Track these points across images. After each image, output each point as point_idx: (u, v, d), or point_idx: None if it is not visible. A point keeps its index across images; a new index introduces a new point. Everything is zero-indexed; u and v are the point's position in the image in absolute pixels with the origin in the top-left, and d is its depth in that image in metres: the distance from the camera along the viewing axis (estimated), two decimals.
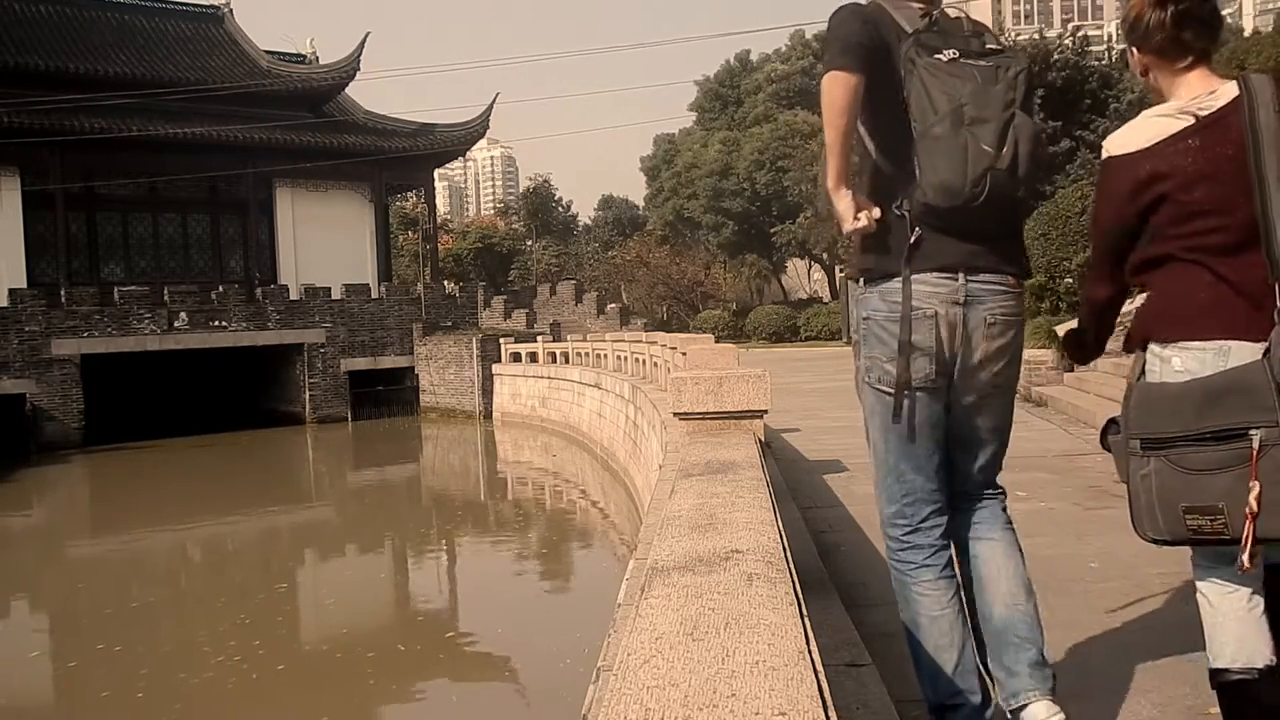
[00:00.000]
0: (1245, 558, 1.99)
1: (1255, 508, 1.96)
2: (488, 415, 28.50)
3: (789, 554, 2.11)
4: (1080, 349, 2.53)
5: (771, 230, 45.16)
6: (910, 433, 2.34)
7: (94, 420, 26.32)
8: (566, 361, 25.14)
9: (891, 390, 2.31)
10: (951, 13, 2.35)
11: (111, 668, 9.34)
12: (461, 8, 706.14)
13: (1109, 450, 2.27)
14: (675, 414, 4.79)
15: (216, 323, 28.09)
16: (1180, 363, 2.13)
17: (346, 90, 35.07)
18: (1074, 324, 2.61)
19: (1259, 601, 2.16)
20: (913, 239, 2.23)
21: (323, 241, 32.86)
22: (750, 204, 44.86)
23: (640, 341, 19.15)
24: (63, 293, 26.98)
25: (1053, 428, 9.69)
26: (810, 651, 1.34)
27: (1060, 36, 36.60)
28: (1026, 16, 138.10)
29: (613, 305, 40.07)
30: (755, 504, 2.52)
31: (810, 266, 53.06)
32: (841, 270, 38.78)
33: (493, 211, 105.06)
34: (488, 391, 28.63)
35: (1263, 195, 2.02)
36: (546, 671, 8.91)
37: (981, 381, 2.34)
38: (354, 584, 13.23)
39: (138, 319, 26.83)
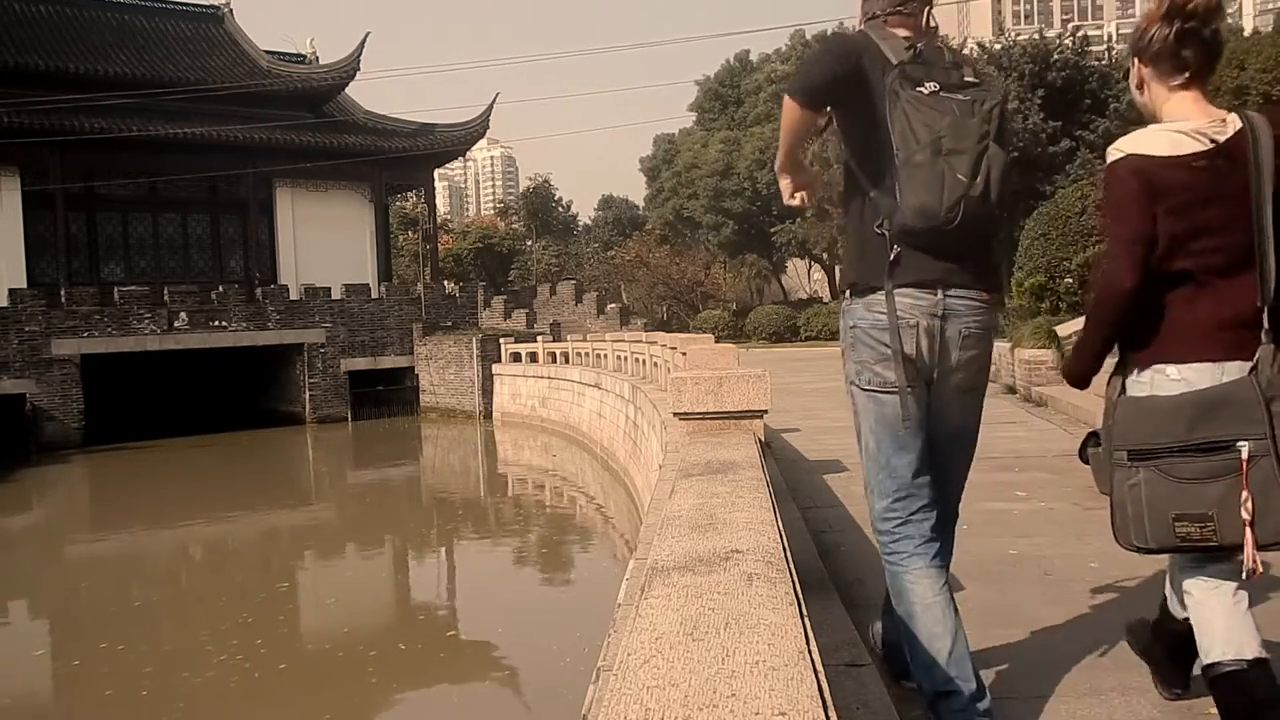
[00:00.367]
0: (1253, 564, 2.10)
1: (1250, 516, 2.07)
2: (488, 415, 28.49)
3: (789, 554, 2.11)
4: (1081, 364, 2.48)
5: (772, 230, 45.15)
6: (908, 431, 2.48)
7: (94, 420, 26.32)
8: (566, 361, 25.14)
9: (881, 390, 2.49)
10: (947, 31, 2.47)
11: (115, 667, 9.37)
12: (461, 8, 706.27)
13: (1087, 463, 2.41)
14: (675, 414, 4.79)
15: (216, 323, 28.09)
16: (1177, 372, 2.23)
17: (346, 90, 35.08)
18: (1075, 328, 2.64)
19: (1244, 596, 2.26)
20: (892, 256, 2.40)
21: (323, 241, 32.86)
22: (751, 204, 44.87)
23: (640, 341, 19.15)
24: (63, 293, 26.97)
25: (1053, 428, 9.70)
26: (810, 651, 1.35)
27: (1060, 36, 36.58)
28: (1026, 16, 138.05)
29: (613, 305, 40.06)
30: (755, 504, 2.52)
31: (810, 266, 53.08)
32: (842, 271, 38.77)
33: (493, 211, 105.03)
34: (488, 391, 28.63)
35: (1260, 223, 2.17)
36: (546, 670, 8.92)
37: (952, 387, 2.52)
38: (354, 583, 13.24)
39: (138, 319, 26.83)
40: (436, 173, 39.64)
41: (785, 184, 2.64)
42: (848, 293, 2.58)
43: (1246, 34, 45.63)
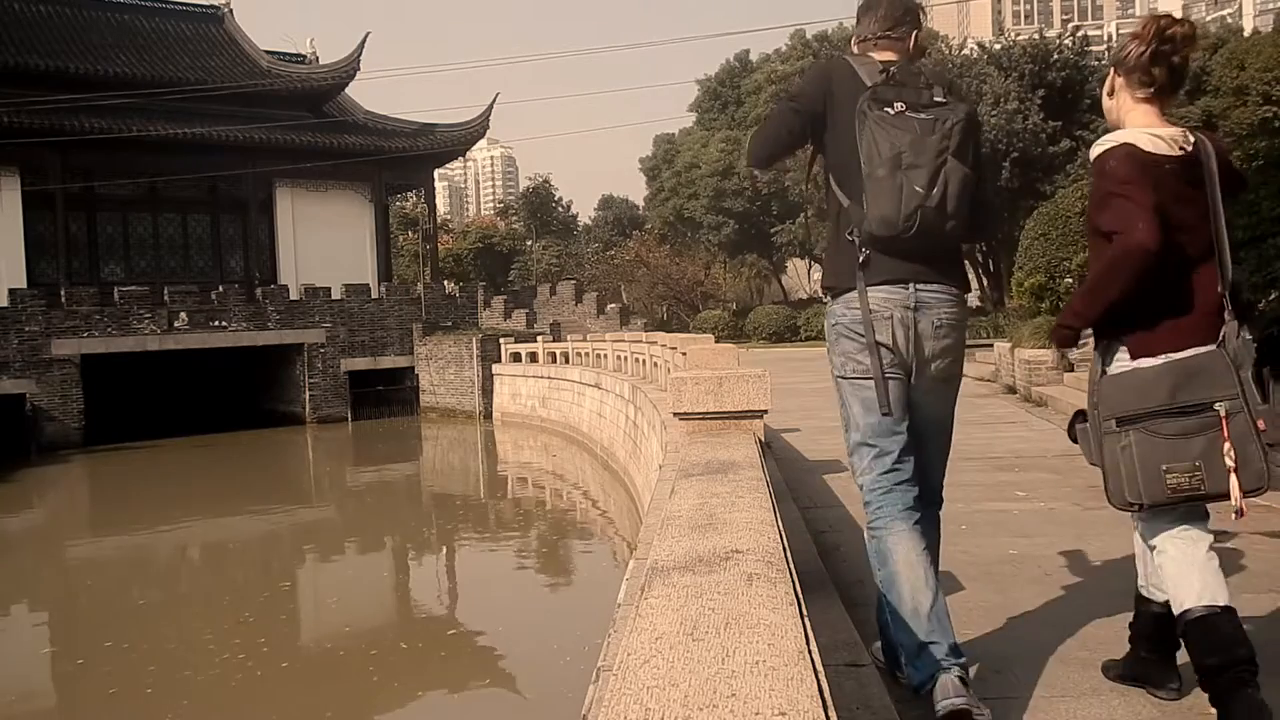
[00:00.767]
0: (1240, 505, 2.41)
1: (1234, 464, 2.37)
2: (488, 415, 28.49)
3: (789, 554, 2.11)
4: (1078, 320, 2.67)
5: (772, 230, 45.17)
6: (888, 414, 2.70)
7: (94, 420, 26.32)
8: (566, 361, 25.14)
9: (863, 377, 2.71)
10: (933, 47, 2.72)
11: (119, 665, 9.42)
12: (461, 8, 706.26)
13: (1076, 441, 2.69)
14: (675, 414, 4.78)
15: (216, 323, 28.09)
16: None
17: (346, 90, 35.09)
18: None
19: (1214, 553, 2.55)
20: (861, 259, 2.67)
21: (323, 241, 32.87)
22: (751, 203, 44.90)
23: (640, 341, 19.15)
24: (63, 293, 26.96)
25: (1053, 428, 9.69)
26: (810, 651, 1.35)
27: (1060, 36, 36.58)
28: (1026, 16, 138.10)
29: (613, 305, 40.06)
30: (755, 504, 2.52)
31: (810, 266, 53.06)
32: None
33: (493, 211, 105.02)
34: (488, 391, 28.63)
35: (1216, 223, 2.52)
36: (547, 669, 8.93)
37: (929, 376, 2.75)
38: (355, 583, 13.25)
39: (138, 319, 26.83)
40: (436, 173, 39.65)
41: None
42: (828, 296, 2.83)
43: (1246, 34, 45.64)
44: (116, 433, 26.09)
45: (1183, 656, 2.80)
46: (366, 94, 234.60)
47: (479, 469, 23.75)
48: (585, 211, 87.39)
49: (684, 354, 9.67)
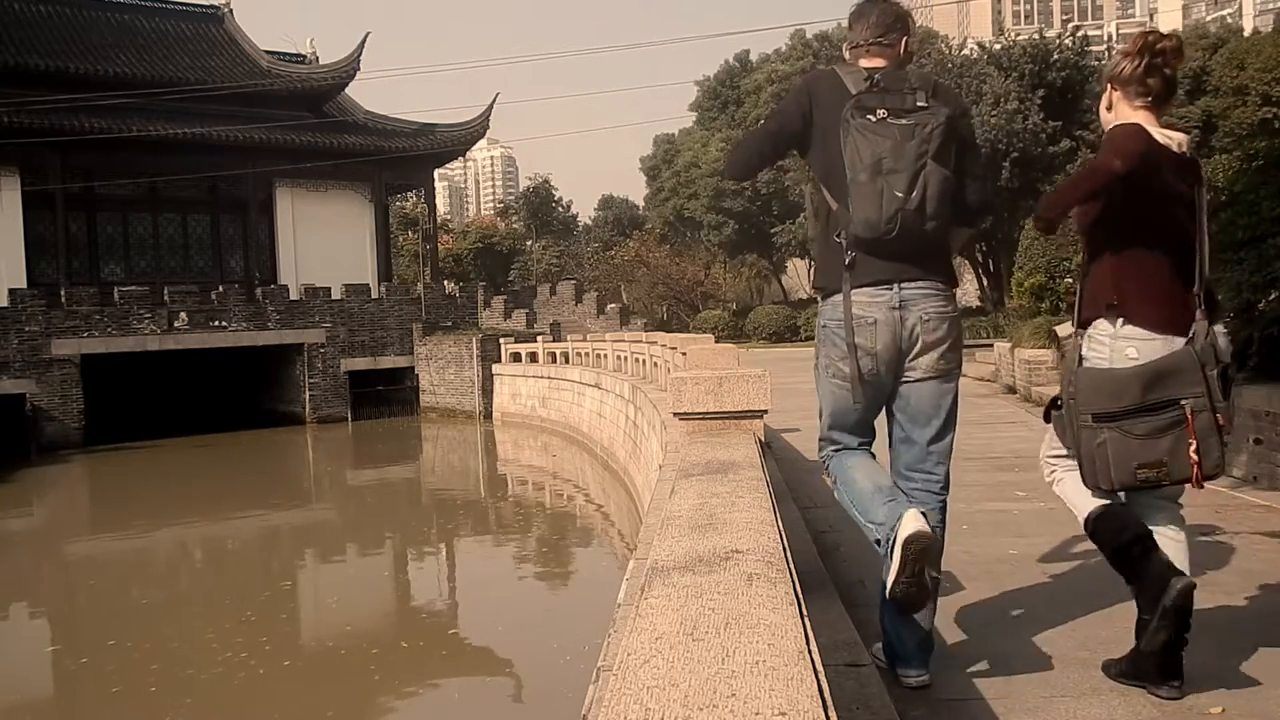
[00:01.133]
0: (1196, 484, 2.66)
1: (1198, 457, 2.61)
2: (488, 415, 28.49)
3: (789, 554, 2.11)
4: (1052, 211, 3.01)
5: (772, 230, 45.15)
6: (860, 409, 2.92)
7: (94, 420, 26.32)
8: (566, 361, 25.14)
9: (842, 380, 2.90)
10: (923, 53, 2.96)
11: (122, 663, 9.46)
12: (461, 8, 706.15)
13: (1049, 423, 2.97)
14: (675, 414, 4.78)
15: (216, 323, 28.09)
16: (1135, 351, 2.73)
17: (346, 90, 35.08)
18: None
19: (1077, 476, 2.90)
20: (848, 261, 2.80)
21: (323, 241, 32.86)
22: (751, 203, 44.88)
23: (640, 341, 19.15)
24: (63, 293, 26.96)
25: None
26: (810, 651, 1.35)
27: (1060, 36, 36.56)
28: (1026, 16, 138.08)
29: (613, 305, 40.05)
30: (755, 504, 2.52)
31: (810, 266, 53.04)
32: None
33: (493, 211, 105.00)
34: (488, 391, 28.63)
35: (1201, 240, 2.72)
36: (547, 669, 8.95)
37: (925, 366, 2.88)
38: (356, 582, 13.26)
39: (138, 319, 26.83)
40: (436, 173, 39.65)
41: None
42: (820, 296, 2.99)
43: (1246, 34, 45.62)
44: (116, 433, 26.09)
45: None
46: (366, 94, 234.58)
47: (479, 469, 23.75)
48: (585, 211, 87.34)
49: (684, 354, 9.68)
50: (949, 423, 2.97)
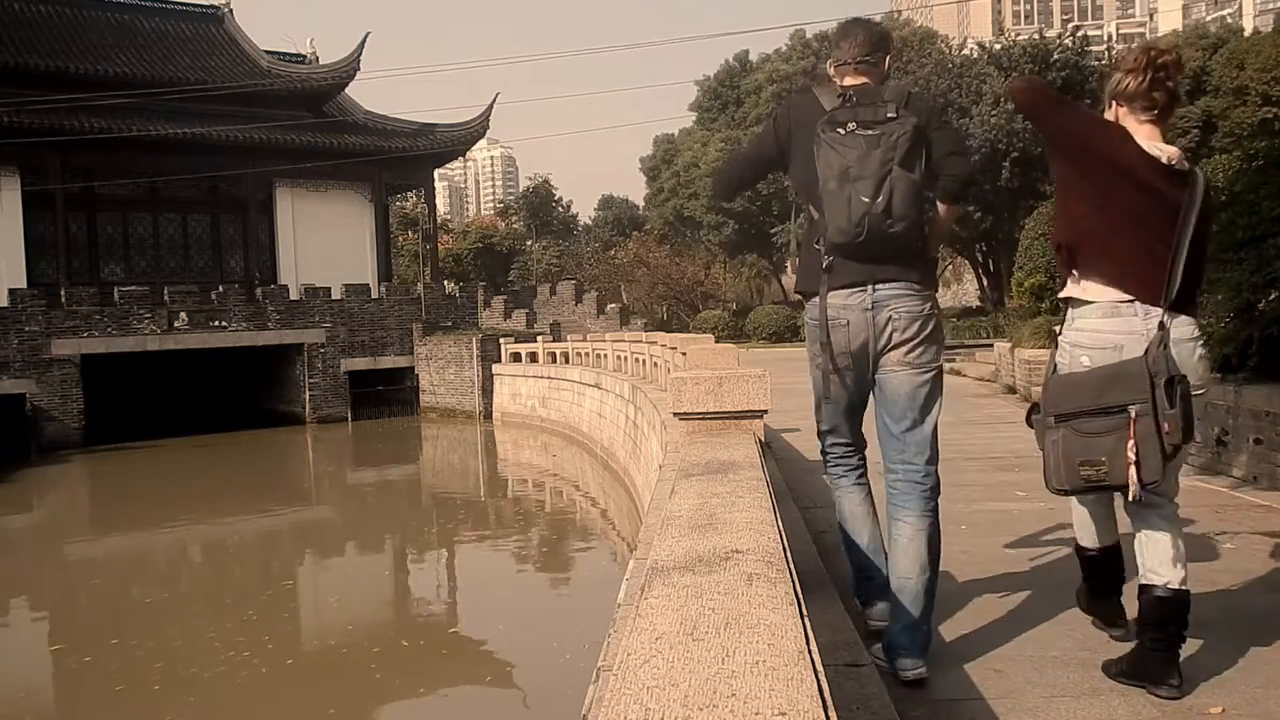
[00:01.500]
0: (1133, 493, 2.73)
1: (1134, 459, 2.70)
2: (488, 415, 28.49)
3: (789, 554, 2.11)
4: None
5: (772, 230, 45.15)
6: (838, 405, 3.24)
7: (94, 420, 26.32)
8: (566, 361, 25.14)
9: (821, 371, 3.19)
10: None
11: (125, 662, 9.50)
12: (461, 8, 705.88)
13: (1032, 427, 3.06)
14: (675, 414, 4.78)
15: (216, 323, 28.09)
16: (1089, 360, 2.90)
17: (346, 90, 35.07)
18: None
19: (1109, 505, 3.18)
20: (825, 265, 3.04)
21: (323, 241, 32.86)
22: (751, 203, 44.86)
23: (640, 341, 19.15)
24: (63, 293, 26.95)
25: None
26: (810, 651, 1.35)
27: (1060, 36, 36.57)
28: (1026, 16, 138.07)
29: (613, 305, 40.05)
30: (755, 504, 2.52)
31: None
32: None
33: (493, 211, 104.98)
34: (488, 391, 28.63)
35: (1179, 240, 2.81)
36: (547, 667, 8.97)
37: (896, 360, 3.08)
38: (357, 582, 13.28)
39: (138, 319, 26.83)
40: (436, 173, 39.63)
41: None
42: (805, 299, 3.24)
43: (1247, 34, 45.62)
44: (116, 433, 26.08)
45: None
46: (366, 94, 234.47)
47: (479, 469, 23.75)
48: (585, 211, 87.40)
49: (684, 354, 9.68)
50: (924, 414, 3.12)
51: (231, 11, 36.86)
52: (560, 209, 75.47)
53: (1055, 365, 3.04)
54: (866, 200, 2.86)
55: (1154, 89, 2.91)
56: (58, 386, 25.77)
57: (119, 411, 27.94)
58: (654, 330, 26.51)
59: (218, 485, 21.33)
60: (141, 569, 14.36)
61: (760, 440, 4.81)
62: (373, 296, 31.01)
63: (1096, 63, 35.20)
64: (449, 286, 38.17)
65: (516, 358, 28.18)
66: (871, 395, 3.21)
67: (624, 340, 20.75)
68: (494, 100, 36.34)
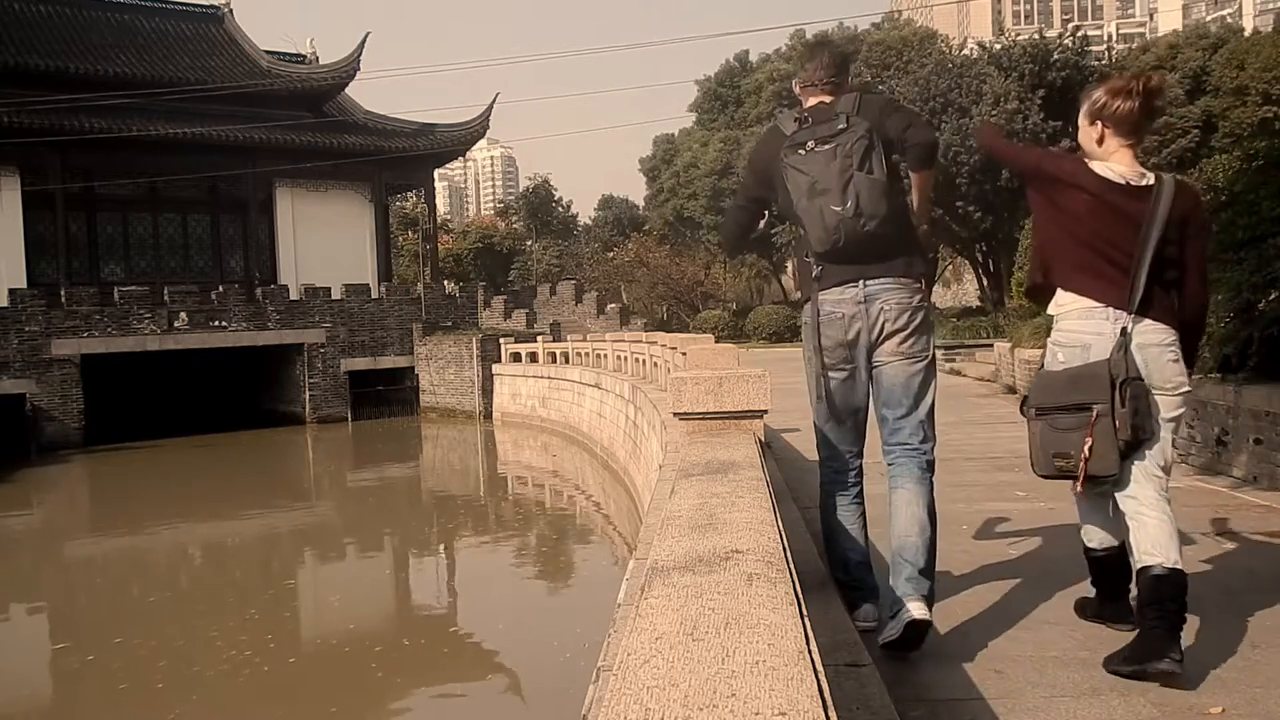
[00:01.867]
0: (1079, 485, 3.05)
1: (1088, 455, 2.97)
2: (488, 415, 28.49)
3: (789, 554, 2.11)
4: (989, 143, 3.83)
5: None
6: (833, 406, 3.40)
7: (94, 420, 26.32)
8: (566, 361, 25.14)
9: (817, 371, 3.39)
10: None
11: (129, 661, 9.52)
12: (461, 8, 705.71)
13: (1024, 417, 3.26)
14: (675, 414, 4.78)
15: (216, 323, 28.09)
16: (1064, 356, 3.13)
17: (346, 90, 35.07)
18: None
19: (1109, 508, 3.24)
20: (815, 273, 3.30)
21: (323, 241, 32.86)
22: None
23: (640, 341, 19.15)
24: (63, 293, 26.96)
25: None
26: (810, 651, 1.35)
27: (1060, 36, 36.54)
28: (1026, 16, 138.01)
29: (613, 305, 40.04)
30: (755, 504, 2.52)
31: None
32: None
33: (493, 211, 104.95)
34: (488, 391, 28.62)
35: (1142, 252, 3.01)
36: (547, 666, 8.99)
37: (888, 353, 3.31)
38: (357, 581, 13.30)
39: (138, 319, 26.83)
40: (436, 173, 39.63)
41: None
42: (803, 303, 3.49)
43: (1246, 34, 45.62)
44: (116, 433, 26.08)
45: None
46: (366, 94, 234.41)
47: (479, 469, 23.76)
48: (585, 211, 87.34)
49: (684, 354, 9.67)
50: (918, 401, 3.35)
51: (231, 11, 36.86)
52: (560, 209, 75.45)
53: (1044, 364, 3.27)
54: (837, 209, 3.11)
55: (1144, 115, 3.11)
56: (58, 386, 25.77)
57: (119, 411, 27.94)
58: (654, 330, 26.52)
59: (218, 485, 21.33)
60: (143, 569, 14.36)
61: (760, 440, 4.81)
62: (373, 296, 31.00)
63: (1096, 63, 35.17)
64: (449, 286, 38.17)
65: (516, 358, 28.18)
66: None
67: (624, 340, 20.75)
68: (494, 100, 36.38)
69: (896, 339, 3.28)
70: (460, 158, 42.68)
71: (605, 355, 21.85)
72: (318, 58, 37.01)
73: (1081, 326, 3.09)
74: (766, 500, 2.63)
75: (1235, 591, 3.80)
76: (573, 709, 3.30)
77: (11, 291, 26.25)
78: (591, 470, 19.54)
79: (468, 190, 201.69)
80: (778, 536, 2.14)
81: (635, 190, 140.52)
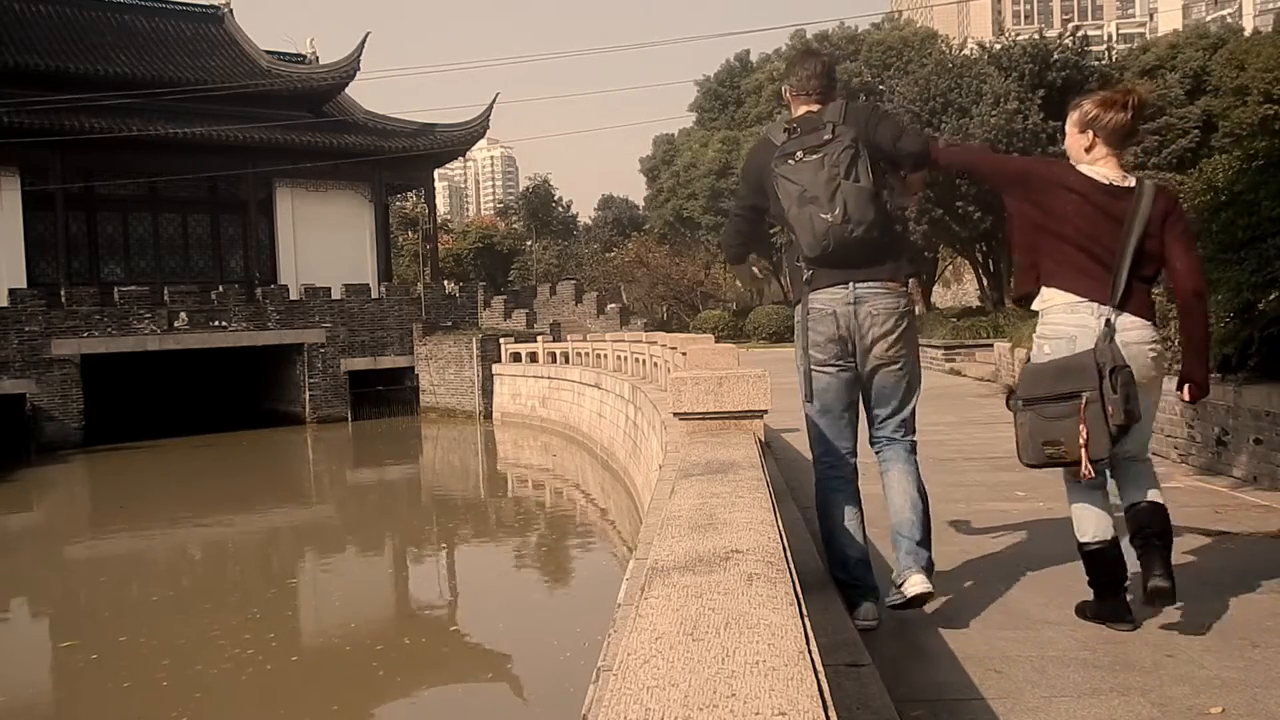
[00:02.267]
0: (1085, 471, 3.15)
1: (1084, 440, 3.10)
2: (488, 415, 28.49)
3: (789, 554, 2.11)
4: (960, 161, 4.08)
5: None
6: (825, 403, 3.52)
7: (94, 420, 26.32)
8: (566, 361, 25.14)
9: (808, 368, 3.50)
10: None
11: (132, 659, 9.56)
12: (461, 8, 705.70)
13: (1011, 410, 3.42)
14: (675, 414, 4.78)
15: (216, 323, 28.09)
16: (1050, 349, 3.29)
17: (346, 90, 35.06)
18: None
19: (1105, 500, 3.39)
20: (806, 277, 3.43)
21: (323, 241, 32.86)
22: None
23: (640, 341, 19.15)
24: (63, 293, 26.96)
25: None
26: (810, 651, 1.35)
27: (1060, 36, 36.53)
28: (1026, 16, 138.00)
29: (613, 305, 40.04)
30: (755, 504, 2.52)
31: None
32: None
33: (493, 211, 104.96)
34: (488, 391, 28.63)
35: (1124, 248, 3.21)
36: (547, 665, 9.01)
37: (876, 356, 3.45)
38: (359, 581, 13.31)
39: (138, 319, 26.83)
40: (436, 173, 39.62)
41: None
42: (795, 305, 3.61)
43: (1247, 34, 45.61)
44: (117, 433, 26.09)
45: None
46: (366, 94, 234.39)
47: (479, 469, 23.76)
48: (585, 211, 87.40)
49: (684, 354, 9.67)
50: (904, 403, 3.57)
51: (231, 11, 36.86)
52: (560, 209, 75.45)
53: (1030, 356, 3.45)
54: (826, 217, 3.25)
55: (1134, 126, 3.35)
56: (58, 386, 25.77)
57: (119, 411, 27.94)
58: (654, 330, 26.51)
59: (218, 485, 21.33)
60: (145, 568, 14.37)
61: (760, 440, 4.81)
62: (373, 296, 31.01)
63: (1096, 63, 35.13)
64: (449, 286, 38.16)
65: (516, 358, 28.18)
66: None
67: (624, 340, 20.75)
68: (494, 100, 36.34)
69: (884, 342, 3.43)
70: (460, 158, 42.67)
71: (605, 355, 21.86)
72: (318, 58, 37.01)
73: (1066, 320, 3.25)
74: (766, 500, 2.63)
75: (1235, 591, 3.80)
76: (573, 709, 3.31)
77: (11, 291, 26.25)
78: (591, 470, 19.55)
79: (468, 190, 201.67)
80: (778, 536, 2.14)
81: (635, 190, 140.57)
